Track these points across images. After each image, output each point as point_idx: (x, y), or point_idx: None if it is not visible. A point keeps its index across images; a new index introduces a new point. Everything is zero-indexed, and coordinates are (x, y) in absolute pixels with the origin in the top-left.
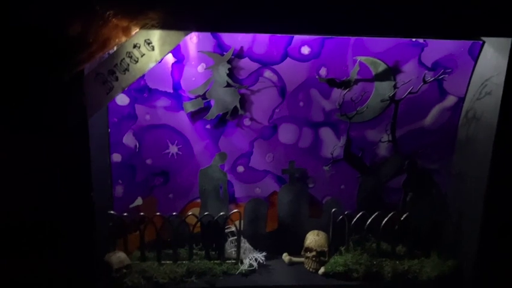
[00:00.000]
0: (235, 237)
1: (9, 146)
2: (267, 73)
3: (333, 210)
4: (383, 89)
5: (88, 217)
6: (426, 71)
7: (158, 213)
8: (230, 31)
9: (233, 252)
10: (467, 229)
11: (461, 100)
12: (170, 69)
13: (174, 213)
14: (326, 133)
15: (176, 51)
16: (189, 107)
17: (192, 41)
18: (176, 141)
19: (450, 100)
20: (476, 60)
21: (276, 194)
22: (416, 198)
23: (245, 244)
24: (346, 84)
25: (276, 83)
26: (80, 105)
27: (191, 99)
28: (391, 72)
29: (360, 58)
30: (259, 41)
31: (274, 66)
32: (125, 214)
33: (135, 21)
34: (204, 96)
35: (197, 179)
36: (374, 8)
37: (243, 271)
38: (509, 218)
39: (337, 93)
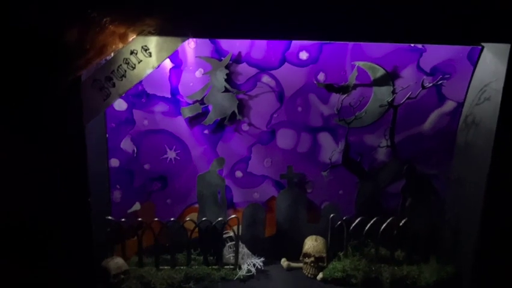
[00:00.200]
0: (233, 243)
1: (9, 146)
2: (265, 78)
3: (332, 215)
4: (382, 94)
5: (85, 222)
6: (425, 76)
7: (156, 219)
8: (227, 37)
9: (231, 258)
10: (465, 234)
11: (460, 105)
12: (168, 74)
13: (172, 219)
14: (324, 138)
15: (174, 57)
16: (187, 112)
17: (190, 46)
18: (174, 147)
19: (449, 105)
20: (475, 65)
21: (274, 199)
22: (414, 203)
23: (243, 249)
24: (344, 90)
25: (274, 88)
26: (78, 111)
27: (189, 104)
28: (389, 78)
29: (358, 63)
30: (257, 46)
31: (272, 72)
32: (123, 219)
33: (132, 28)
34: (201, 102)
35: (195, 184)
36: (373, 13)
37: (241, 276)
38: (507, 223)
39: (335, 98)
